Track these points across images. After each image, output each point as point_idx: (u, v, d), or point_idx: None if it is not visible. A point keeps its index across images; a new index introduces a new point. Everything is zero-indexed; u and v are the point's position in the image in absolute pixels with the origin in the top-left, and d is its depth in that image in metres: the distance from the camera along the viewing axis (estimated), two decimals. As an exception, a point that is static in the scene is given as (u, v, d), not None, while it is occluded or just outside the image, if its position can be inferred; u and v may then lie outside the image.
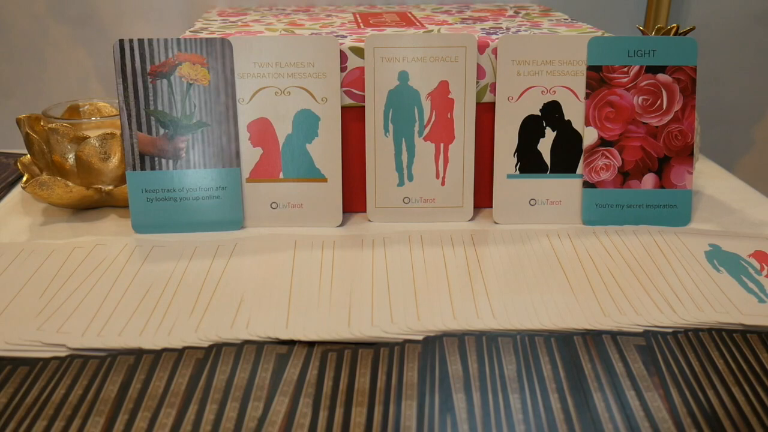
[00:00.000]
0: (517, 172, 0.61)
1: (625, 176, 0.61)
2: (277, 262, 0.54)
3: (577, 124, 0.61)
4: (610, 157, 0.61)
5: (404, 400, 0.39)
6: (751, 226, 0.61)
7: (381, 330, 0.45)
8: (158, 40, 0.58)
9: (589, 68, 0.60)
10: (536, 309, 0.48)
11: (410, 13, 0.79)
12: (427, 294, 0.50)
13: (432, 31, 0.65)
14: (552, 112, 0.61)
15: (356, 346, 0.44)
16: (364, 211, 0.63)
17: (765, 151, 1.02)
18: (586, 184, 0.61)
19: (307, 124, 0.60)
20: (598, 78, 0.60)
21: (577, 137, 0.61)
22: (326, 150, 0.60)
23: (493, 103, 0.61)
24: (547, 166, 0.61)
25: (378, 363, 0.42)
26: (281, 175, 0.61)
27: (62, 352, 0.43)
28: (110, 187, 0.62)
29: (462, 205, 0.62)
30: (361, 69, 0.60)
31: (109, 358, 0.43)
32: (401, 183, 0.62)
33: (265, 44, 0.59)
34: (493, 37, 0.61)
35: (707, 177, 0.72)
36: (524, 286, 0.51)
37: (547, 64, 0.60)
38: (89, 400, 0.39)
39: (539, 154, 0.61)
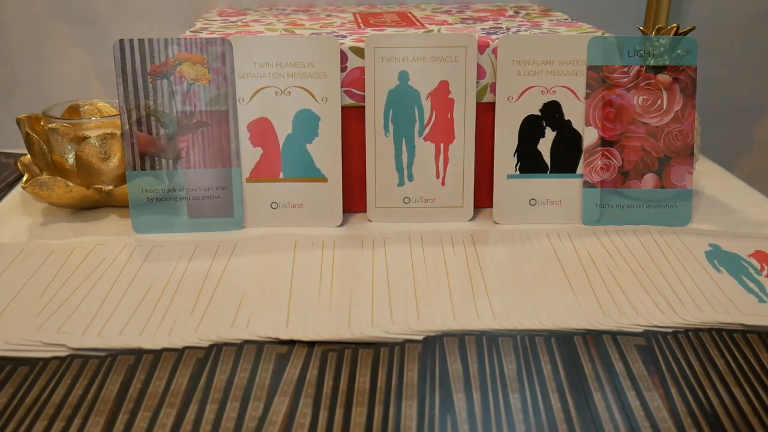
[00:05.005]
0: (517, 172, 0.61)
1: (625, 176, 0.61)
2: (277, 262, 0.54)
3: (577, 124, 0.61)
4: (610, 157, 0.61)
5: (404, 400, 0.39)
6: (751, 226, 0.61)
7: (381, 330, 0.45)
8: (158, 40, 0.58)
9: (589, 68, 0.60)
10: (536, 309, 0.48)
11: (410, 13, 0.79)
12: (427, 294, 0.50)
13: (432, 31, 0.65)
14: (552, 112, 0.61)
15: (356, 346, 0.44)
16: (364, 211, 0.63)
17: (765, 151, 1.02)
18: (586, 184, 0.61)
19: (307, 124, 0.60)
20: (598, 78, 0.60)
21: (577, 137, 0.61)
22: (326, 150, 0.60)
23: (493, 103, 0.61)
24: (547, 166, 0.61)
25: (378, 363, 0.42)
26: (281, 175, 0.61)
27: (62, 352, 0.43)
28: (110, 187, 0.62)
29: (462, 205, 0.62)
30: (361, 69, 0.60)
31: (109, 358, 0.43)
32: (401, 183, 0.62)
33: (265, 44, 0.59)
34: (493, 37, 0.61)
35: (707, 177, 0.72)
36: (524, 286, 0.51)
37: (547, 64, 0.60)
38: (89, 400, 0.39)
39: (539, 154, 0.61)
